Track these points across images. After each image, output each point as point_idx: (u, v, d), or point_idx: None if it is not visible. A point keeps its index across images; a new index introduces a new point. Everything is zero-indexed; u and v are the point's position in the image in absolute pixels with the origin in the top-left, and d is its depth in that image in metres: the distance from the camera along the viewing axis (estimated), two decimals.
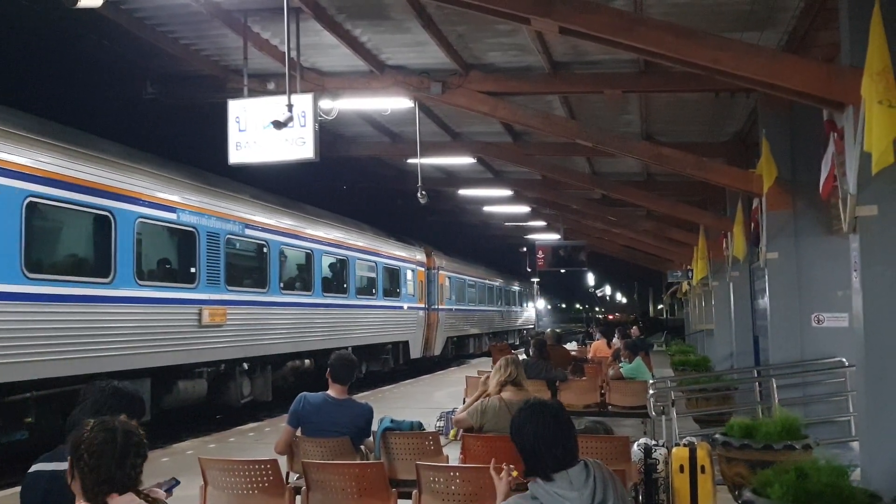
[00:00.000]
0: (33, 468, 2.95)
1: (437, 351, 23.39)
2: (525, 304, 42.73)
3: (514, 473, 3.03)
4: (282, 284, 13.51)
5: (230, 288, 11.76)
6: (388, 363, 19.11)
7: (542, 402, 2.98)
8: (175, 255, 10.99)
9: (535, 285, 47.50)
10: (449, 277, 24.98)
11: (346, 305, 16.34)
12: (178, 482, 2.91)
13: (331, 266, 16.12)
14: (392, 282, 19.59)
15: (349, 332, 16.36)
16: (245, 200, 12.57)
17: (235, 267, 12.37)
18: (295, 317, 13.92)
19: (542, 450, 2.77)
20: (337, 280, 16.32)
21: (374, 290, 18.21)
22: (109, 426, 2.50)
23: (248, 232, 12.53)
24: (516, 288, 39.30)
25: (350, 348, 15.23)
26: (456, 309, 25.85)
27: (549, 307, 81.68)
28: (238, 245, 12.55)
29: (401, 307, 19.99)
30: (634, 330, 19.55)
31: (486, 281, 31.59)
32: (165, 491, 2.75)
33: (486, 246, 35.20)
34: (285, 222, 13.87)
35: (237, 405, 12.37)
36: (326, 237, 15.59)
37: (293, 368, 14.18)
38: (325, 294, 15.28)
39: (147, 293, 9.86)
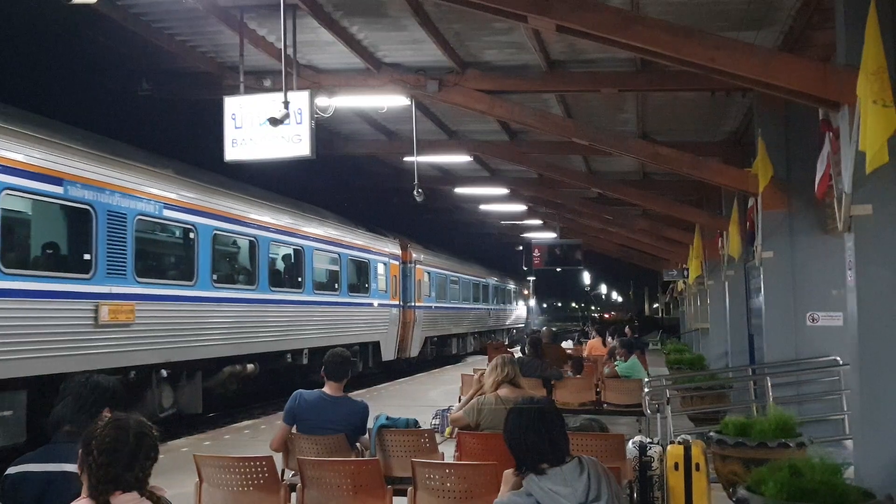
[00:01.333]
0: (17, 469, 2.90)
1: (414, 352, 21.29)
2: (516, 302, 40.89)
3: None
4: (215, 277, 11.34)
5: (142, 280, 9.69)
6: (356, 366, 16.78)
7: (531, 400, 3.03)
8: (61, 239, 9.01)
9: (530, 283, 46.53)
10: (428, 272, 22.84)
11: (300, 302, 14.18)
12: None
13: (284, 257, 14.22)
14: (359, 276, 17.51)
15: (306, 333, 14.25)
16: (165, 176, 10.43)
17: (150, 255, 10.43)
18: (234, 315, 11.85)
19: (527, 444, 2.83)
20: (289, 273, 14.32)
21: (336, 285, 16.05)
22: (123, 425, 2.49)
23: (169, 213, 10.33)
24: (506, 285, 37.39)
25: (307, 350, 14.07)
26: (436, 307, 23.64)
27: (544, 305, 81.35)
28: (154, 229, 10.42)
29: (370, 304, 17.84)
30: (626, 330, 19.56)
31: (472, 277, 29.71)
32: None
33: (477, 242, 34.42)
34: (220, 204, 11.60)
35: (155, 419, 9.87)
36: (276, 223, 13.39)
37: (233, 374, 12.10)
38: (274, 289, 13.18)
39: (13, 284, 7.87)
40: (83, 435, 2.51)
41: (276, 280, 13.65)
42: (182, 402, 10.88)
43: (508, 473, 2.95)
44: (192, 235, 10.94)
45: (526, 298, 45.13)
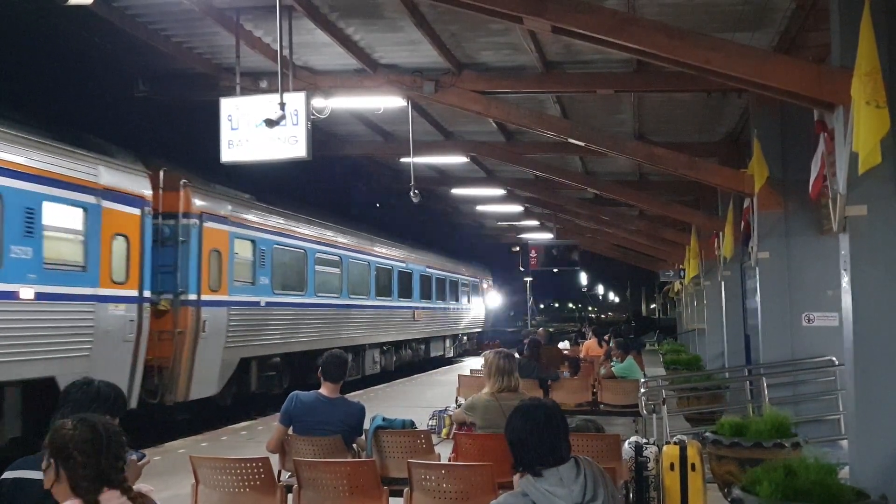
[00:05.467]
0: (14, 475, 2.85)
1: (204, 389, 11.27)
2: (471, 299, 29.49)
3: None
4: None
5: None
6: None
7: (537, 401, 2.99)
8: None
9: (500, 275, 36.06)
10: (253, 241, 12.93)
11: None
12: (144, 454, 3.06)
13: None
14: None
15: None
16: None
17: None
18: None
19: (527, 446, 2.81)
20: None
21: None
22: (91, 422, 2.54)
23: None
24: (452, 275, 26.15)
25: None
26: (271, 302, 13.31)
27: (541, 305, 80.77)
28: None
29: (10, 294, 8.02)
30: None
31: (379, 259, 19.19)
32: (138, 457, 2.92)
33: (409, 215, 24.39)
34: None
35: None
36: None
37: None
38: None
39: None
40: (49, 440, 2.51)
41: None
42: None
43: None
44: None
45: (485, 294, 32.40)
